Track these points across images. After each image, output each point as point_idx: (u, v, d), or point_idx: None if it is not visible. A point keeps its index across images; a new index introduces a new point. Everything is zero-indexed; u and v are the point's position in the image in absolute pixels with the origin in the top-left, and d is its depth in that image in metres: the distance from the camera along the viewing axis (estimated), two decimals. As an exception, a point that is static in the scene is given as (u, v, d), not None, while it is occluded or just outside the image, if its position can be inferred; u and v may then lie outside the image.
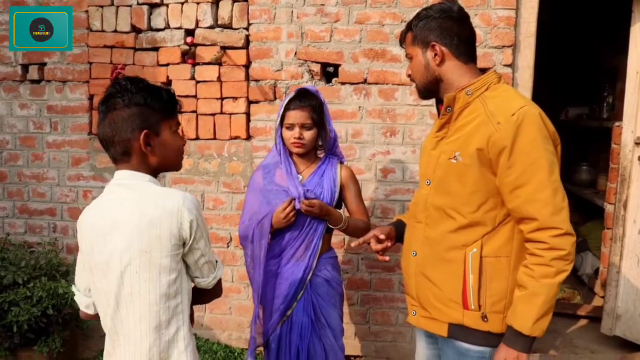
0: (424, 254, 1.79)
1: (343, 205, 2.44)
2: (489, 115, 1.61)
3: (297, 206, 2.23)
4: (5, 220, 3.51)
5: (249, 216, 2.38)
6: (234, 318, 3.36)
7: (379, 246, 1.94)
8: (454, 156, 1.68)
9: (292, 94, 2.31)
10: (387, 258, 1.95)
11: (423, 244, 1.80)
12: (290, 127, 2.27)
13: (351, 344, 3.26)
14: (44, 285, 2.95)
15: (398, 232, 2.01)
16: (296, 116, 2.25)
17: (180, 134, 1.64)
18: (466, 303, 1.68)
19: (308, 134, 2.28)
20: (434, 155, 1.78)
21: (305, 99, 2.29)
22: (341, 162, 2.43)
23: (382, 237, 1.94)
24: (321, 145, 2.42)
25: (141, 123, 1.49)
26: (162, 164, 1.57)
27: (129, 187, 1.51)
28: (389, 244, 1.97)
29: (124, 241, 1.46)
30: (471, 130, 1.65)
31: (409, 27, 1.77)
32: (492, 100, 1.65)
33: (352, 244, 1.99)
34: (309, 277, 2.30)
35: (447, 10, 1.72)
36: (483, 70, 1.81)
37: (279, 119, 2.32)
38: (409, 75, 1.83)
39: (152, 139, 1.52)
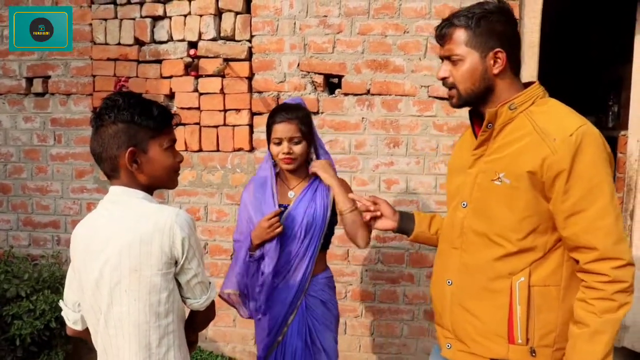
0: (462, 283, 1.64)
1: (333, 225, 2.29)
2: (542, 135, 1.47)
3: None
4: (10, 232, 3.51)
5: (239, 232, 2.24)
6: (238, 330, 3.34)
7: (368, 215, 1.90)
8: (498, 177, 1.53)
9: (276, 107, 2.20)
10: (367, 217, 1.90)
11: (461, 272, 1.64)
12: (279, 142, 2.11)
13: (356, 357, 3.24)
14: (47, 298, 2.94)
15: (404, 223, 1.91)
16: (283, 130, 2.09)
17: (175, 151, 1.58)
18: (512, 337, 1.54)
19: (298, 148, 2.11)
20: (471, 174, 1.62)
21: (291, 110, 2.13)
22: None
23: (375, 206, 1.90)
24: (312, 159, 2.28)
25: (127, 140, 1.46)
26: (152, 182, 1.53)
27: (120, 203, 1.49)
28: (378, 214, 1.90)
29: (114, 259, 1.43)
30: (519, 150, 1.50)
31: (467, 24, 1.53)
32: (541, 117, 1.50)
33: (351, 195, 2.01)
34: (300, 301, 2.15)
35: (508, 13, 1.56)
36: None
37: (266, 135, 2.19)
38: (445, 78, 1.61)
39: (139, 156, 1.48)
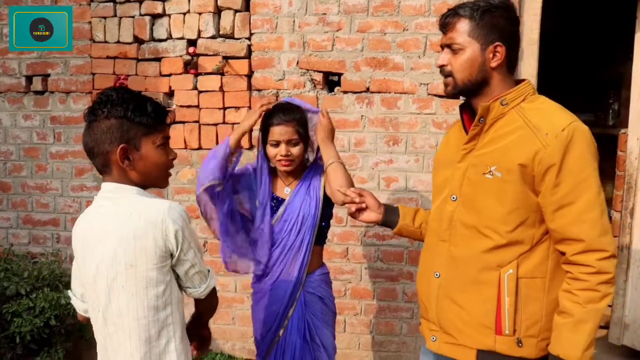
0: (450, 276, 1.67)
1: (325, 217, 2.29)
2: (534, 130, 1.51)
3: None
4: (10, 230, 3.52)
5: None
6: (238, 328, 3.34)
7: (353, 207, 1.92)
8: (489, 171, 1.56)
9: (273, 107, 2.17)
10: (352, 209, 1.92)
11: (448, 264, 1.67)
12: (276, 144, 2.11)
13: (355, 354, 3.24)
14: (47, 295, 2.94)
15: (388, 216, 1.93)
16: (281, 132, 2.08)
17: (169, 149, 1.57)
18: (499, 328, 1.58)
19: (295, 150, 2.12)
20: (460, 168, 1.66)
21: (288, 112, 2.12)
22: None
23: (361, 199, 1.92)
24: (308, 158, 2.29)
25: (120, 136, 1.45)
26: (143, 179, 1.52)
27: (113, 200, 1.48)
28: (363, 206, 1.92)
29: (109, 255, 1.43)
30: (511, 144, 1.54)
31: (471, 15, 1.57)
32: (533, 113, 1.55)
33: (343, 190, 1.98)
34: (298, 293, 2.18)
35: (512, 10, 1.60)
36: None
37: (260, 135, 2.18)
38: (443, 66, 1.63)
39: (131, 153, 1.47)
